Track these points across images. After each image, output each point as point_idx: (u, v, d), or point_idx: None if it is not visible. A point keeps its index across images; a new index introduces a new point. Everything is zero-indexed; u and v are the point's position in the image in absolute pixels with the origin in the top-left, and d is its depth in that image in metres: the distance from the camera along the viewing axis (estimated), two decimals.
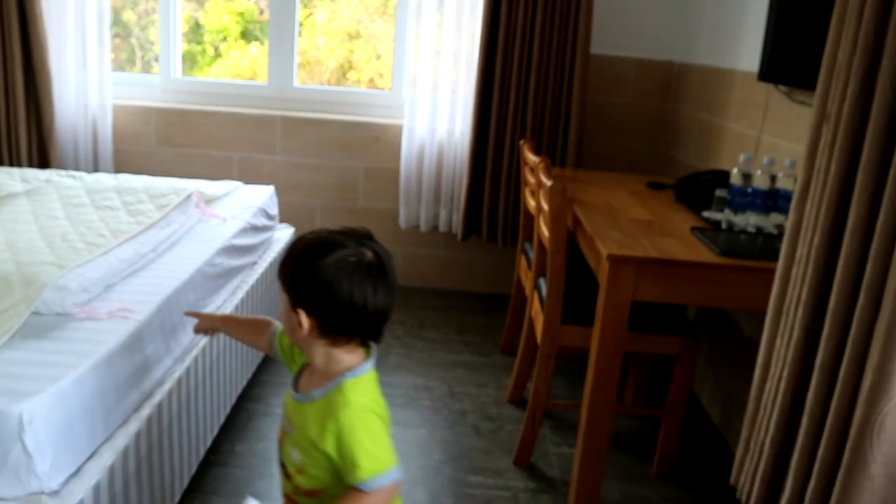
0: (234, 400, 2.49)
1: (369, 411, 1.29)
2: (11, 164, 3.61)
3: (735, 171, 2.27)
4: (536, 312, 2.50)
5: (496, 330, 3.43)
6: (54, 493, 1.46)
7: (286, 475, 1.38)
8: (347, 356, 1.32)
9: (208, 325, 1.71)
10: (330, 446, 1.26)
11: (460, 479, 2.34)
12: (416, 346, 3.25)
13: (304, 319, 1.28)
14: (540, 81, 3.44)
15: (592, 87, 3.58)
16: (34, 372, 1.54)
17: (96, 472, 1.55)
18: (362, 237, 1.33)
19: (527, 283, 2.79)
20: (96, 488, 1.53)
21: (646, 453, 2.54)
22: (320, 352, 1.32)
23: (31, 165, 3.62)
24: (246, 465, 2.32)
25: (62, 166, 3.67)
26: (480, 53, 3.43)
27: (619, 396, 2.39)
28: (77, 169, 3.70)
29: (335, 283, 1.25)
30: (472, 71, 3.53)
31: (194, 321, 1.74)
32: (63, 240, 2.23)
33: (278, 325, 1.52)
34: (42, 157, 3.66)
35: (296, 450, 1.33)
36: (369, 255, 1.29)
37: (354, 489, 1.25)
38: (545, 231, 2.34)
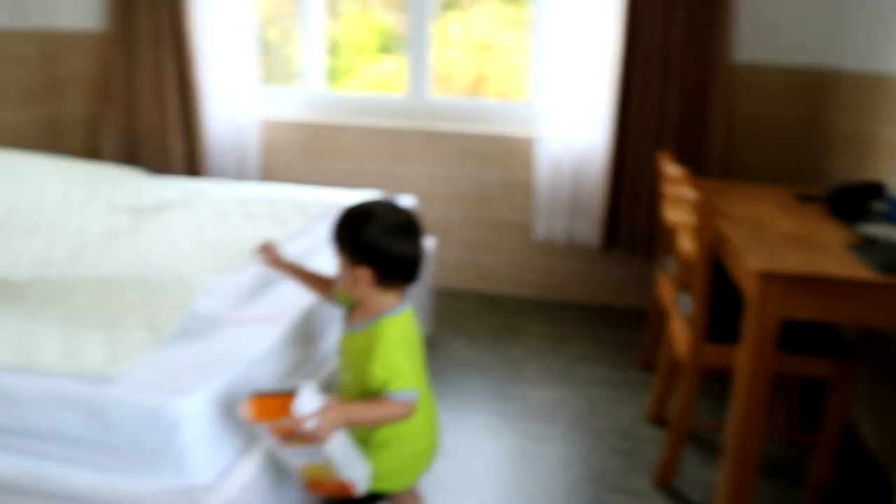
0: None
1: (398, 345, 1.63)
2: (167, 174, 3.85)
3: (894, 181, 2.10)
4: (678, 329, 2.40)
5: (634, 345, 3.33)
6: (205, 488, 1.52)
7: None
8: (388, 299, 1.67)
9: (277, 262, 1.97)
10: (369, 367, 1.59)
11: (598, 499, 2.28)
12: (554, 360, 3.20)
13: (363, 274, 1.62)
14: (681, 91, 3.33)
15: (736, 95, 3.42)
16: (189, 372, 1.62)
17: (245, 470, 1.61)
18: (393, 203, 1.69)
19: (666, 298, 2.69)
20: (245, 486, 1.58)
21: (796, 481, 2.38)
22: (370, 297, 1.66)
23: (184, 175, 3.85)
24: None
25: (212, 176, 3.88)
26: (618, 64, 3.36)
27: (768, 420, 2.25)
28: (226, 179, 3.90)
29: (385, 242, 1.61)
30: (609, 82, 3.46)
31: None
32: (214, 246, 2.35)
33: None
34: (193, 167, 3.88)
35: (346, 371, 1.71)
36: (403, 216, 1.66)
37: (383, 397, 1.59)
38: (688, 245, 2.25)
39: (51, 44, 3.95)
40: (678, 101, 3.34)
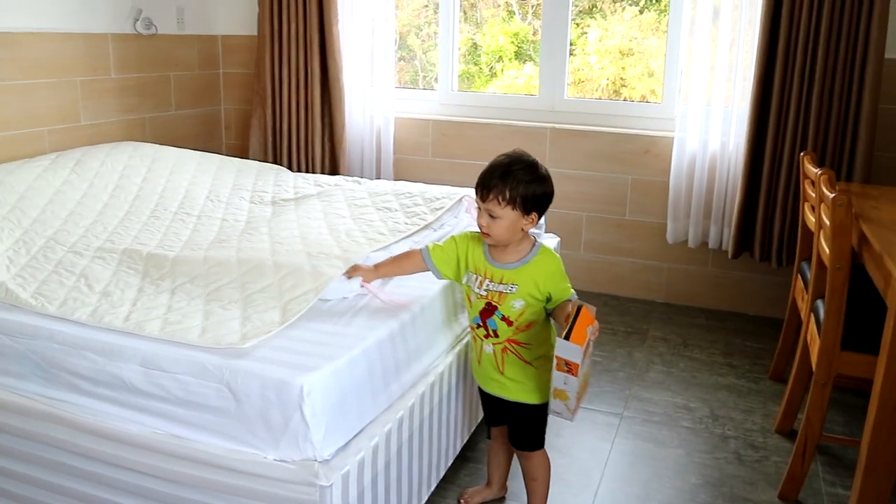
0: None
1: (559, 258, 1.92)
2: (307, 171, 4.05)
3: None
4: (812, 337, 2.29)
5: (766, 355, 3.20)
6: (325, 462, 1.60)
7: (506, 322, 1.87)
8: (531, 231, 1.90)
9: (370, 276, 2.06)
10: (550, 285, 1.85)
11: None
12: (679, 364, 3.12)
13: (532, 219, 1.82)
14: (824, 90, 3.16)
15: (885, 94, 3.21)
16: (315, 350, 1.71)
17: (362, 448, 1.68)
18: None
19: (803, 306, 2.57)
20: (361, 462, 1.66)
21: None
22: (525, 235, 1.88)
23: (323, 172, 4.03)
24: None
25: (349, 173, 4.05)
26: (758, 64, 3.23)
27: None
28: (362, 176, 4.06)
29: (549, 185, 1.85)
30: (747, 83, 3.34)
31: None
32: (347, 235, 2.46)
33: (423, 254, 2.01)
34: (333, 164, 4.06)
35: (518, 299, 1.85)
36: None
37: (568, 300, 1.84)
38: (825, 247, 2.15)
39: (209, 48, 4.25)
40: (822, 100, 3.18)
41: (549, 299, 1.87)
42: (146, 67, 3.82)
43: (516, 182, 1.79)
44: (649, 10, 4.05)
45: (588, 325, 1.68)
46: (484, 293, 1.89)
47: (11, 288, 2.05)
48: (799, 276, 2.76)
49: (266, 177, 3.36)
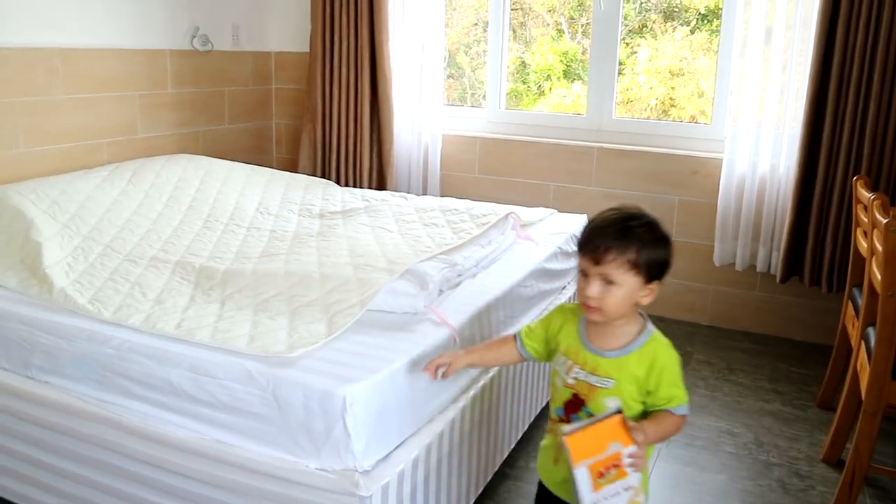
0: (532, 419, 2.56)
1: (677, 355, 1.53)
2: (355, 186, 4.10)
3: None
4: (862, 365, 2.25)
5: (814, 382, 3.14)
6: (365, 473, 1.62)
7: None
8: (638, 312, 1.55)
9: (451, 366, 1.71)
10: (653, 383, 1.49)
11: None
12: (723, 388, 3.08)
13: (654, 290, 1.51)
14: (880, 113, 3.11)
15: None
16: (359, 362, 1.73)
17: (402, 460, 1.70)
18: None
19: (853, 333, 2.52)
20: (401, 475, 1.67)
21: None
22: (630, 313, 1.53)
23: (370, 187, 4.09)
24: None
25: (396, 189, 4.09)
26: (811, 85, 3.20)
27: None
28: (408, 191, 4.10)
29: (671, 249, 1.52)
30: (799, 104, 3.30)
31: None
32: (394, 249, 2.50)
33: (517, 338, 1.72)
34: (380, 179, 4.11)
35: (613, 398, 1.49)
36: None
37: (667, 412, 1.50)
38: (877, 274, 2.11)
39: (262, 64, 4.35)
40: (878, 122, 3.12)
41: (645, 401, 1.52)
42: (201, 82, 3.92)
43: (641, 243, 1.48)
44: (700, 31, 4.03)
45: (612, 440, 1.33)
46: (571, 382, 1.55)
47: (70, 294, 2.12)
48: (850, 303, 2.71)
49: (314, 191, 3.42)
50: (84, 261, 2.41)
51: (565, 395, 1.56)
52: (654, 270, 1.48)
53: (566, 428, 1.41)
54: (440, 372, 1.70)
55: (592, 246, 1.49)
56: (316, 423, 1.63)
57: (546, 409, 2.72)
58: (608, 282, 1.47)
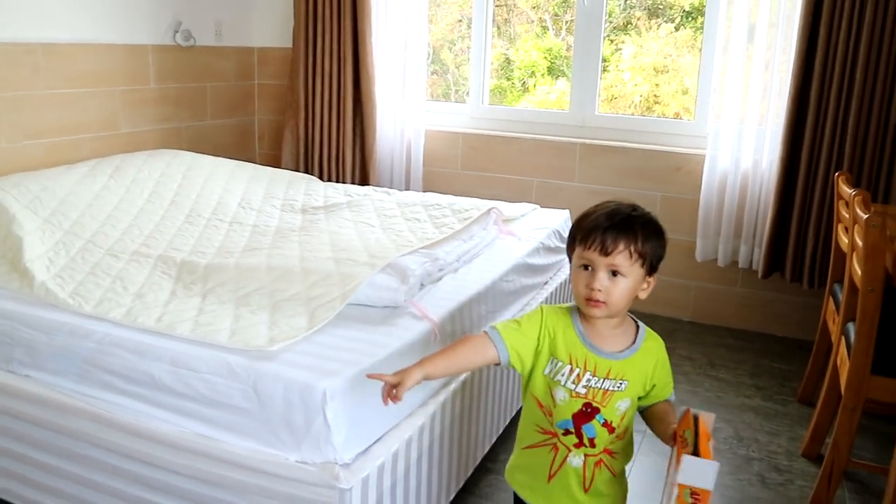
0: (513, 413, 2.56)
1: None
2: (337, 181, 4.10)
3: None
4: (842, 360, 2.27)
5: (794, 377, 3.16)
6: (345, 465, 1.62)
7: (608, 428, 1.49)
8: None
9: (402, 385, 1.47)
10: (657, 377, 1.52)
11: None
12: (704, 384, 3.10)
13: (651, 284, 1.50)
14: (862, 110, 3.13)
15: None
16: (340, 356, 1.74)
17: (382, 453, 1.70)
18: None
19: (833, 329, 2.54)
20: (381, 468, 1.68)
21: None
22: (625, 309, 1.50)
23: (353, 182, 4.08)
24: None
25: (379, 184, 4.09)
26: (793, 82, 3.22)
27: None
28: (391, 187, 4.10)
29: (666, 245, 1.50)
30: (782, 101, 3.32)
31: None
32: (376, 244, 2.49)
33: (490, 333, 1.53)
34: (363, 175, 4.11)
35: (625, 399, 1.49)
36: None
37: (668, 402, 1.55)
38: (858, 269, 2.13)
39: (244, 60, 4.33)
40: (859, 119, 3.15)
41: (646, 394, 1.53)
42: (184, 78, 3.90)
43: (645, 234, 1.45)
44: (685, 28, 4.05)
45: (707, 440, 1.28)
46: (582, 391, 1.48)
47: (51, 287, 2.11)
48: (831, 298, 2.73)
49: (297, 186, 3.41)
50: (65, 255, 2.40)
51: (574, 406, 1.48)
52: (654, 263, 1.48)
53: (689, 451, 1.29)
54: (391, 396, 1.48)
55: (600, 237, 1.43)
56: (296, 416, 1.63)
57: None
58: (615, 273, 1.44)
